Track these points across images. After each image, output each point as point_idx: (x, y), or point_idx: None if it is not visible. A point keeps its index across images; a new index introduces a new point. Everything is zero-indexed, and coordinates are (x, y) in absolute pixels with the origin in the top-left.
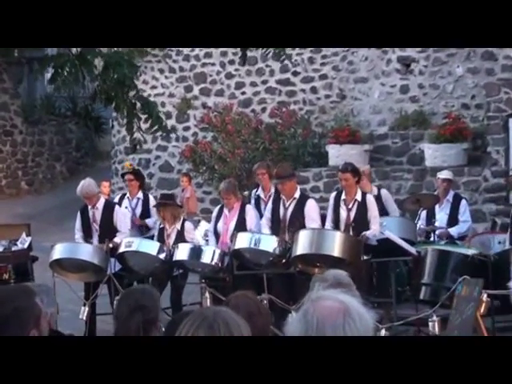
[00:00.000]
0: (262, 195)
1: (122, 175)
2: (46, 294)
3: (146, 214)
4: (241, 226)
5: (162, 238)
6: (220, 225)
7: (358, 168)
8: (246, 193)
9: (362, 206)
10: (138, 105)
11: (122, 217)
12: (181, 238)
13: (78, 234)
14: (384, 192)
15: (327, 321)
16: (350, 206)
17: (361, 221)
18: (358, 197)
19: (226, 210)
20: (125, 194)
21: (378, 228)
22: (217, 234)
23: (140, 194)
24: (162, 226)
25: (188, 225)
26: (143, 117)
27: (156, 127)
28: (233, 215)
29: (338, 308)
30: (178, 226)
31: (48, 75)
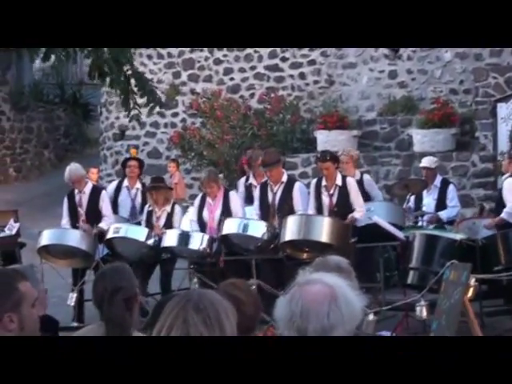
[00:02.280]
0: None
1: (125, 161)
2: (30, 276)
3: (145, 203)
4: (226, 213)
5: (150, 221)
6: (205, 214)
7: (336, 154)
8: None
9: (344, 190)
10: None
11: (108, 202)
12: (170, 220)
13: (65, 220)
14: (366, 177)
15: (312, 308)
16: (331, 192)
17: (343, 204)
18: (339, 181)
19: (209, 199)
20: (121, 182)
21: (363, 209)
22: (201, 224)
23: (138, 184)
24: (150, 208)
25: (178, 209)
26: (138, 93)
27: (151, 103)
28: (217, 204)
29: (324, 294)
30: (168, 208)
31: (37, 62)
